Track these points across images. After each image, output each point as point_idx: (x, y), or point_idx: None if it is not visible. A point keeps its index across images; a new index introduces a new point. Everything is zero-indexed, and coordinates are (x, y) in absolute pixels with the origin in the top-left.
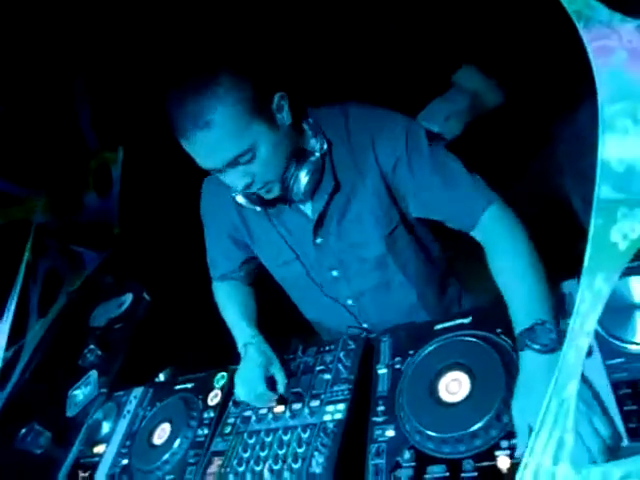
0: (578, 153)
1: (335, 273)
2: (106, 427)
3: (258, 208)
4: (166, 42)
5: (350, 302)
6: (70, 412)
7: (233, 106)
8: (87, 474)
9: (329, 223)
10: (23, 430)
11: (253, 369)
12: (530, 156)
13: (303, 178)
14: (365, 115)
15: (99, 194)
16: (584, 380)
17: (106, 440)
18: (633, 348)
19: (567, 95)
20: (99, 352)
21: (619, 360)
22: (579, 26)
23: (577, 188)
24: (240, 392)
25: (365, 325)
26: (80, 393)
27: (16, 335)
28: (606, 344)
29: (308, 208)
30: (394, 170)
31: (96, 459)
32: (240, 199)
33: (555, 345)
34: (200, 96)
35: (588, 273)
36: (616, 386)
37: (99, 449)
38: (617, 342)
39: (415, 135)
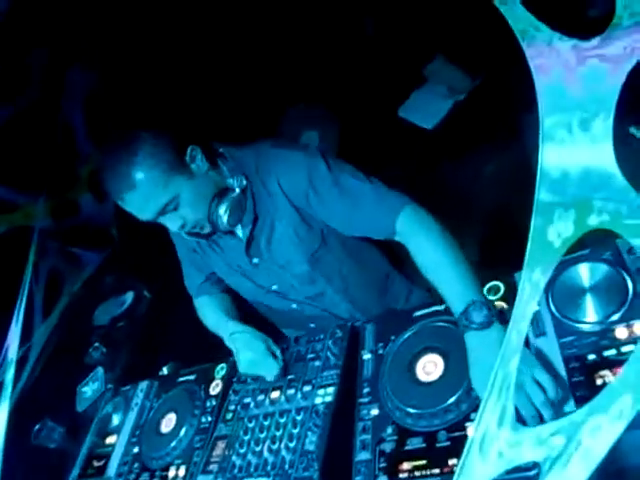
0: None
1: (275, 287)
2: (116, 419)
3: (199, 240)
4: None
5: (294, 306)
6: (80, 407)
7: (152, 168)
8: (101, 463)
9: (258, 246)
10: (37, 426)
11: (256, 349)
12: (501, 147)
13: (223, 214)
14: (270, 155)
15: (95, 196)
16: (528, 347)
17: (117, 431)
18: (582, 327)
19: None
20: (104, 349)
21: (571, 338)
22: (523, 44)
23: None
24: (255, 370)
25: (312, 325)
26: (88, 389)
27: (24, 336)
28: (560, 324)
29: (240, 233)
30: (307, 202)
31: (109, 449)
32: (184, 235)
33: (490, 319)
34: (123, 165)
35: (528, 267)
36: (567, 361)
37: (111, 440)
38: (569, 322)
39: (315, 169)
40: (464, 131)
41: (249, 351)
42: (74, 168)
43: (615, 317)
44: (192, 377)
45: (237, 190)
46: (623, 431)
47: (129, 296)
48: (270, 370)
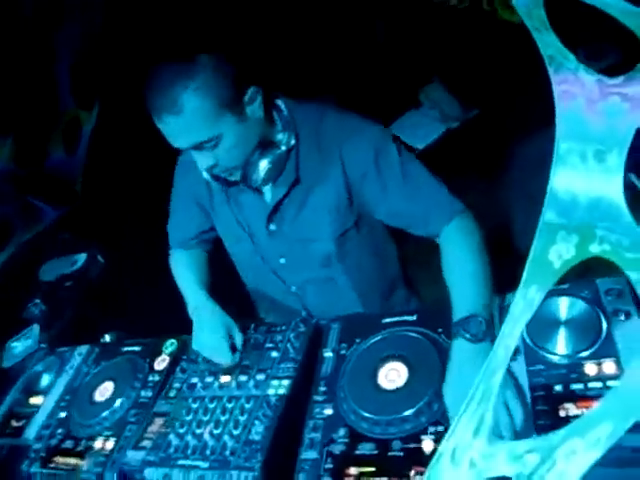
0: (528, 179)
1: (283, 261)
2: (46, 379)
3: (220, 186)
4: (151, 22)
5: (294, 289)
6: (6, 363)
7: (205, 98)
8: (20, 423)
9: (285, 213)
10: None
11: (216, 332)
12: (485, 178)
13: (262, 168)
14: (339, 120)
15: (66, 150)
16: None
17: (44, 392)
18: (552, 358)
19: (522, 125)
20: (44, 307)
21: (539, 367)
22: (550, 69)
23: (524, 209)
24: (208, 354)
25: (303, 313)
26: (19, 345)
27: None
28: (531, 352)
29: (268, 195)
30: (362, 179)
31: (33, 410)
32: (205, 175)
33: (483, 336)
34: (176, 84)
35: (525, 284)
36: (533, 389)
37: (36, 400)
38: (540, 351)
39: (385, 147)
40: (454, 157)
41: (208, 332)
42: (51, 116)
43: (585, 353)
44: (137, 348)
45: (283, 148)
46: (598, 459)
47: (82, 257)
48: (223, 358)
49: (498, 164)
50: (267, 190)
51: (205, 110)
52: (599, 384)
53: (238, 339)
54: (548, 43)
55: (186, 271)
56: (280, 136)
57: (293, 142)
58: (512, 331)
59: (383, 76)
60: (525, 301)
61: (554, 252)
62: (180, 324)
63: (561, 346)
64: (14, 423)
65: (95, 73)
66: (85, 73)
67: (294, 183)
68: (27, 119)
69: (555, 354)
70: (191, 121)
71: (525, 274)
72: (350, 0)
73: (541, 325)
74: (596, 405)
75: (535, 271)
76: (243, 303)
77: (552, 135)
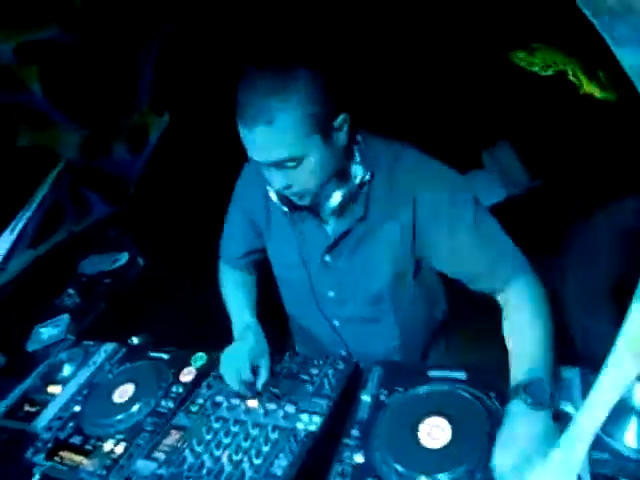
0: (583, 265)
1: (331, 294)
2: (67, 370)
3: (285, 209)
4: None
5: (337, 324)
6: (30, 347)
7: (300, 115)
8: (34, 409)
9: (343, 247)
10: None
11: (244, 352)
12: (538, 252)
13: (335, 199)
14: (417, 162)
15: (130, 150)
16: None
17: (63, 382)
18: (620, 448)
19: (585, 205)
20: (78, 299)
21: (604, 455)
22: None
23: (576, 296)
24: (224, 370)
25: (342, 351)
26: (46, 332)
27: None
28: (597, 438)
29: (330, 226)
30: (432, 221)
31: (48, 398)
32: (272, 195)
33: (546, 403)
34: (274, 94)
35: (617, 351)
36: (595, 478)
37: (54, 389)
38: (607, 438)
39: (463, 195)
40: (510, 225)
41: (234, 355)
42: (123, 114)
43: None
44: (165, 356)
45: (357, 182)
46: None
47: (124, 257)
48: (229, 379)
49: (554, 241)
50: (330, 221)
51: (297, 126)
52: None
53: (263, 373)
54: None
55: (237, 292)
56: (355, 169)
57: (368, 177)
58: (601, 402)
59: (450, 130)
60: (619, 368)
61: None
62: (206, 340)
63: (632, 436)
64: (27, 407)
65: (176, 78)
66: (165, 76)
67: (360, 219)
68: (102, 112)
69: (624, 444)
70: (281, 134)
71: (620, 340)
72: (424, 51)
73: (612, 410)
74: None
75: (632, 339)
76: (279, 332)
77: (608, 223)
